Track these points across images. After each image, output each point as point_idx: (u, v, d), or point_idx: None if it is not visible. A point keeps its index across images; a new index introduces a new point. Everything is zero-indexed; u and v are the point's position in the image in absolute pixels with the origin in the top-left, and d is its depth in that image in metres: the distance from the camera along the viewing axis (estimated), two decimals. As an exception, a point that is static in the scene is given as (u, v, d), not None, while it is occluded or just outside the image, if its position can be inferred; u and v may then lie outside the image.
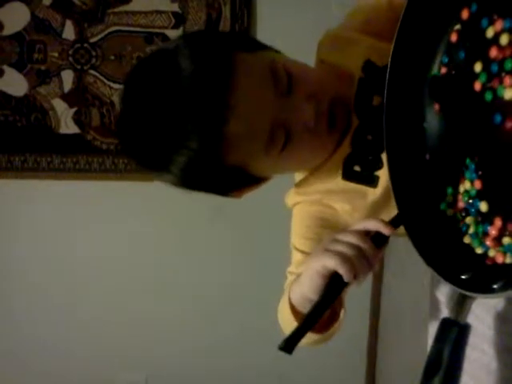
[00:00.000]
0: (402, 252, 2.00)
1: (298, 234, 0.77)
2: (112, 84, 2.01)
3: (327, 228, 0.71)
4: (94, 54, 1.98)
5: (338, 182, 0.70)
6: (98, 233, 2.12)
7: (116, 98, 2.03)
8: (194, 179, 0.66)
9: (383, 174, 0.66)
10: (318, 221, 0.72)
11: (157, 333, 2.17)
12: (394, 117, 0.55)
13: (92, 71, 1.99)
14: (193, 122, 0.58)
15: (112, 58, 1.98)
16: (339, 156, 0.68)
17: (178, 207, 2.13)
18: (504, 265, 0.42)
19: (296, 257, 0.77)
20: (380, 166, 0.66)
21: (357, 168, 0.69)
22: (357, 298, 2.34)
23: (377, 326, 2.32)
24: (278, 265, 2.35)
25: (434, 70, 0.52)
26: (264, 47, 0.68)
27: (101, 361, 2.16)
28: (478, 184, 0.46)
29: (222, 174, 0.64)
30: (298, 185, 0.75)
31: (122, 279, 2.13)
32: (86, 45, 1.98)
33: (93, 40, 1.97)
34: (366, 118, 0.67)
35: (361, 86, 0.68)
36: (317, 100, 0.62)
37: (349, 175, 0.69)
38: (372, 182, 0.68)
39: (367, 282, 2.42)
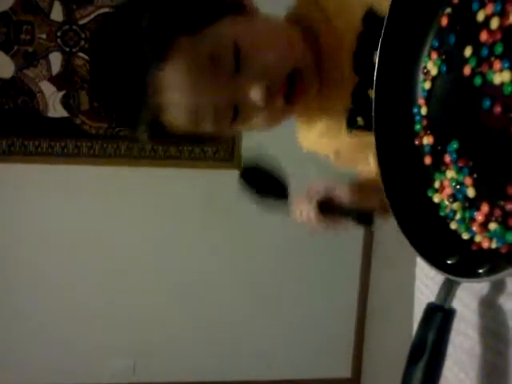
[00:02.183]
0: (390, 238, 2.02)
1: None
2: (101, 67, 1.99)
3: None
4: (83, 36, 1.96)
5: (343, 141, 0.71)
6: (86, 219, 2.10)
7: (105, 82, 2.00)
8: (161, 136, 0.66)
9: None
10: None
11: (145, 320, 2.18)
12: (382, 103, 0.54)
13: (81, 54, 1.97)
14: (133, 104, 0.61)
15: (101, 40, 1.96)
16: (341, 111, 0.68)
17: (169, 193, 2.13)
18: (489, 250, 0.42)
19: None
20: None
21: (360, 120, 0.69)
22: (345, 284, 2.38)
23: (364, 312, 2.34)
24: (268, 255, 2.34)
25: (425, 55, 0.51)
26: (220, 15, 0.61)
27: (91, 348, 2.16)
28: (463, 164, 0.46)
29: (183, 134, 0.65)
30: (306, 146, 0.78)
31: (110, 267, 2.13)
32: (74, 27, 1.95)
33: (82, 22, 1.94)
34: (366, 75, 0.64)
35: (360, 41, 0.64)
36: (271, 77, 0.60)
37: (352, 126, 0.69)
38: None
39: (355, 268, 2.42)
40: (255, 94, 0.59)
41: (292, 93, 0.62)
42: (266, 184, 0.72)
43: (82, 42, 1.96)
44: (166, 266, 2.17)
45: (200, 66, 0.58)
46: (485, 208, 0.43)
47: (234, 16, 0.62)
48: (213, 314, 2.22)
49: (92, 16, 1.94)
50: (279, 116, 0.65)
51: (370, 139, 0.70)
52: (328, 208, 0.65)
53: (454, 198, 0.48)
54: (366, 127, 0.69)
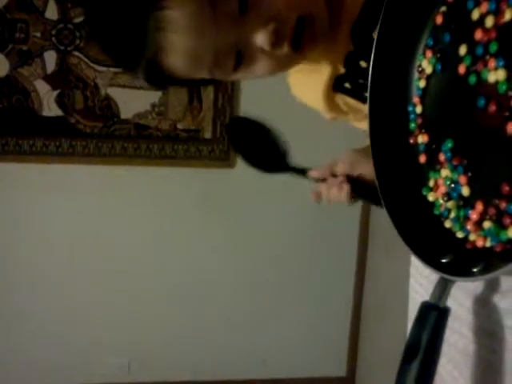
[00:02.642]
0: (385, 238, 2.02)
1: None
2: (96, 66, 1.98)
3: None
4: (77, 34, 1.95)
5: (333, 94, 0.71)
6: (82, 219, 2.10)
7: (100, 81, 2.00)
8: (159, 79, 0.64)
9: None
10: None
11: (140, 319, 2.17)
12: (377, 101, 0.54)
13: (76, 53, 1.96)
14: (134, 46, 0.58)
15: (96, 39, 1.95)
16: (331, 71, 0.68)
17: (164, 192, 2.12)
18: (484, 248, 0.42)
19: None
20: None
21: (347, 85, 0.69)
22: (340, 283, 2.38)
23: (359, 311, 2.35)
24: (264, 254, 2.34)
25: (419, 53, 0.51)
26: None
27: (86, 346, 2.16)
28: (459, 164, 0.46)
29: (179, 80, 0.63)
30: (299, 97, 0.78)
31: (105, 266, 2.13)
32: (69, 25, 1.94)
33: (77, 20, 1.94)
34: (362, 47, 0.64)
35: (365, 10, 0.63)
36: (279, 21, 0.56)
37: (339, 89, 0.69)
38: (362, 99, 0.68)
39: (351, 267, 2.43)
40: (261, 38, 0.56)
41: (300, 39, 0.59)
42: (258, 139, 0.69)
43: (77, 41, 1.95)
44: (162, 265, 2.17)
45: (202, 6, 0.54)
46: (479, 206, 0.43)
47: None
48: (208, 313, 2.22)
49: (87, 14, 1.94)
50: (285, 63, 0.62)
51: (354, 103, 0.71)
52: (359, 188, 0.64)
53: (448, 196, 0.48)
54: (352, 93, 0.69)
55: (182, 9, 0.54)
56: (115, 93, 2.02)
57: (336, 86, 0.70)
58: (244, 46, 0.58)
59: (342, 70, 0.69)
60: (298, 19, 0.58)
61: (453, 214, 0.47)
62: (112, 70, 1.98)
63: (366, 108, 0.70)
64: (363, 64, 0.66)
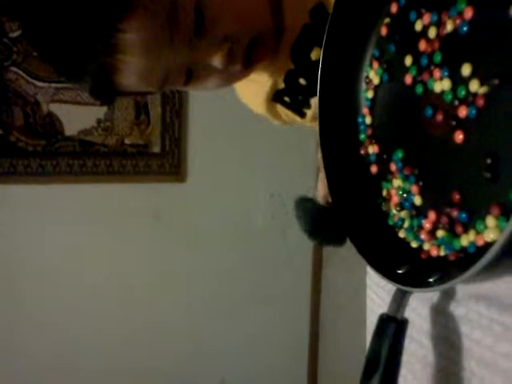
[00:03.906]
0: (341, 249, 2.04)
1: None
2: (36, 82, 1.91)
3: None
4: (15, 49, 1.87)
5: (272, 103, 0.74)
6: (25, 238, 2.00)
7: (41, 97, 1.92)
8: (105, 92, 0.63)
9: (310, 112, 0.70)
10: None
11: (90, 340, 2.09)
12: (326, 112, 0.54)
13: (13, 68, 1.88)
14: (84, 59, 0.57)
15: (35, 54, 1.88)
16: (271, 86, 0.70)
17: (114, 208, 2.06)
18: (439, 258, 0.42)
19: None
20: (308, 106, 0.69)
21: (287, 99, 0.71)
22: (297, 296, 2.38)
23: (317, 324, 2.35)
24: (216, 267, 2.31)
25: (366, 64, 0.51)
26: None
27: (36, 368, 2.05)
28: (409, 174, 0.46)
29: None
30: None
31: (49, 287, 2.03)
32: (5, 40, 1.86)
33: (13, 35, 1.86)
34: (302, 66, 0.66)
35: (304, 32, 0.65)
36: (232, 41, 0.58)
37: (279, 101, 0.72)
38: (300, 114, 0.71)
39: (306, 278, 2.44)
40: (217, 60, 0.58)
41: (251, 57, 0.61)
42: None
43: (15, 56, 1.87)
44: (112, 280, 2.09)
45: (159, 30, 0.54)
46: (432, 216, 0.43)
47: None
48: (162, 331, 2.16)
49: (24, 28, 1.86)
50: (235, 78, 0.65)
51: (291, 116, 0.73)
52: None
53: (401, 206, 0.48)
54: (291, 107, 0.72)
55: (138, 33, 0.54)
56: (58, 109, 1.95)
57: (276, 98, 0.73)
58: (196, 66, 0.59)
59: (282, 85, 0.71)
60: (250, 40, 0.60)
61: (406, 224, 0.47)
62: (54, 85, 1.91)
63: (303, 122, 0.73)
64: (302, 81, 0.68)
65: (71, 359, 2.08)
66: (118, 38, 0.53)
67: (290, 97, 0.71)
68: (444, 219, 0.42)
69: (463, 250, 0.40)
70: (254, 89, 0.75)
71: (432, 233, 0.43)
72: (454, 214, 0.40)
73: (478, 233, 0.37)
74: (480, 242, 0.37)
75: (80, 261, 2.05)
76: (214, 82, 0.62)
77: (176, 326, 2.17)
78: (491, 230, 0.36)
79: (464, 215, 0.39)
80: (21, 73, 1.88)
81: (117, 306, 2.11)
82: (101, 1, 0.53)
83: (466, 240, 0.39)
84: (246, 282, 2.23)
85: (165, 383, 2.19)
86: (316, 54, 0.64)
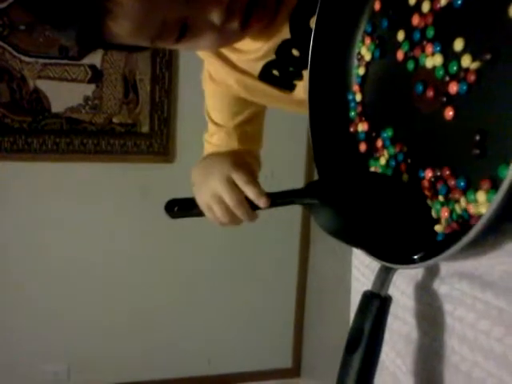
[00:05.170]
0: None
1: (214, 108, 0.82)
2: (22, 57, 1.87)
3: (239, 102, 0.78)
4: (0, 22, 1.82)
5: (255, 81, 0.71)
6: (13, 217, 1.98)
7: (27, 73, 1.88)
8: (91, 41, 0.60)
9: (300, 84, 0.68)
10: (232, 99, 0.78)
11: (78, 324, 2.08)
12: (317, 89, 0.53)
13: (0, 42, 1.83)
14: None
15: (22, 27, 1.84)
16: (261, 56, 0.68)
17: (101, 188, 2.04)
18: (425, 236, 0.42)
19: (211, 127, 0.84)
20: (299, 78, 0.67)
21: (275, 72, 0.69)
22: (283, 274, 2.39)
23: (303, 302, 2.37)
24: (204, 246, 2.30)
25: (358, 40, 0.51)
26: None
27: (22, 353, 2.04)
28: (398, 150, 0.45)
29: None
30: (215, 73, 0.77)
31: (42, 265, 2.02)
32: (-9, 12, 1.82)
33: (0, 6, 1.81)
34: (299, 35, 0.64)
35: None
36: None
37: (266, 77, 0.70)
38: (289, 87, 0.69)
39: (293, 258, 2.44)
40: (215, 14, 0.56)
41: (249, 18, 0.59)
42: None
43: (0, 29, 1.83)
44: (101, 262, 2.09)
45: None
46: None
47: None
48: (149, 312, 2.16)
49: (11, 0, 1.81)
50: (229, 39, 0.62)
51: (270, 91, 0.71)
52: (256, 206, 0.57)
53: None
54: (278, 81, 0.70)
55: None
56: (45, 85, 1.92)
57: (263, 74, 0.70)
58: (193, 19, 0.56)
59: (273, 56, 0.69)
60: (248, 0, 0.58)
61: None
62: (41, 61, 1.87)
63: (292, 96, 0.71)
64: (295, 53, 0.66)
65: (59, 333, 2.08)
66: None
67: (279, 69, 0.69)
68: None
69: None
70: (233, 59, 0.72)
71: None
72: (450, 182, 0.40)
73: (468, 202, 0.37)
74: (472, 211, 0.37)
75: (63, 238, 2.04)
76: (209, 40, 0.59)
77: (162, 306, 2.17)
78: (482, 205, 0.36)
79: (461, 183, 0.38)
80: (6, 47, 1.84)
81: (103, 285, 2.10)
82: None
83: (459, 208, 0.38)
84: (233, 264, 2.23)
85: (154, 365, 2.20)
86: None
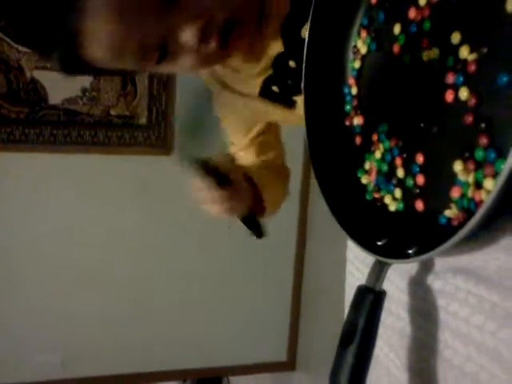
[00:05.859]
0: (324, 223, 2.05)
1: (230, 133, 0.85)
2: (20, 47, 1.85)
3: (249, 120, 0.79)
4: (-3, 12, 1.81)
5: (258, 102, 0.72)
6: (9, 205, 1.98)
7: (25, 63, 1.87)
8: (75, 67, 0.61)
9: (301, 100, 0.67)
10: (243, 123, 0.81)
11: (73, 315, 2.08)
12: (313, 81, 0.53)
13: (-5, 31, 1.82)
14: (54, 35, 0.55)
15: (19, 17, 1.82)
16: (259, 72, 0.68)
17: (98, 180, 2.04)
18: (419, 230, 0.42)
19: (232, 147, 0.87)
20: (299, 92, 0.66)
21: (275, 88, 0.69)
22: (279, 269, 2.39)
23: (299, 296, 2.38)
24: (201, 240, 2.30)
25: (354, 33, 0.50)
26: None
27: (17, 344, 2.05)
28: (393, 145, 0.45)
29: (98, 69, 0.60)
30: (222, 105, 0.79)
31: (37, 257, 2.02)
32: (-13, 2, 1.80)
33: (-4, -3, 1.80)
34: (292, 46, 0.64)
35: (294, 9, 0.63)
36: (206, 19, 0.56)
37: (266, 94, 0.70)
38: (289, 103, 0.69)
39: (290, 252, 2.44)
40: (188, 34, 0.55)
41: (227, 38, 0.58)
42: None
43: (-3, 19, 1.81)
44: (97, 254, 2.08)
45: None
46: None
47: None
48: (145, 304, 2.16)
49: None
50: (209, 60, 0.62)
51: (272, 110, 0.71)
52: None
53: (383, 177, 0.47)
54: (279, 97, 0.69)
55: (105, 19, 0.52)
56: (42, 76, 1.91)
57: (263, 91, 0.70)
58: (170, 40, 0.56)
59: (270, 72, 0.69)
60: (226, 20, 0.57)
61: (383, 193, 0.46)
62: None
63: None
64: (292, 64, 0.66)
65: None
66: (86, 0, 0.51)
67: (278, 84, 0.68)
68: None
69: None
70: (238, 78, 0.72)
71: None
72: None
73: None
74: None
75: (60, 230, 2.03)
76: (188, 62, 0.59)
77: (158, 298, 2.17)
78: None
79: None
80: (3, 36, 1.83)
81: (99, 276, 2.10)
82: None
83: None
84: (230, 256, 2.23)
85: (149, 357, 2.21)
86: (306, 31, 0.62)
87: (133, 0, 0.52)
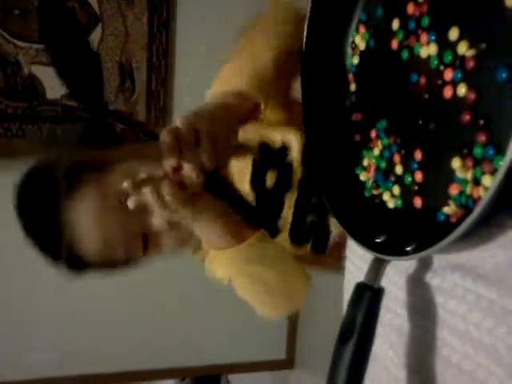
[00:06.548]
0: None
1: None
2: (17, 42, 1.84)
3: None
4: (-5, 6, 1.80)
5: None
6: (6, 204, 1.97)
7: (22, 58, 1.86)
8: (79, 266, 0.74)
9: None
10: None
11: (72, 313, 2.08)
12: (310, 78, 0.53)
13: (-7, 26, 1.81)
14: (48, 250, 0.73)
15: (16, 12, 1.81)
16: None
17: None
18: (417, 226, 0.42)
19: None
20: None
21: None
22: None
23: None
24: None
25: (353, 29, 0.50)
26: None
27: (14, 342, 2.05)
28: (392, 142, 0.45)
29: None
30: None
31: (34, 256, 2.01)
32: (-16, -3, 1.79)
33: (-8, -8, 1.79)
34: (262, 201, 0.72)
35: (256, 167, 0.71)
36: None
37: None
38: (273, 232, 0.77)
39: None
40: (156, 220, 0.67)
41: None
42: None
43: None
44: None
45: (107, 202, 0.66)
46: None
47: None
48: (143, 302, 2.16)
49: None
50: (188, 238, 0.74)
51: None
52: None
53: (381, 174, 0.47)
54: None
55: (89, 205, 0.66)
56: (40, 71, 1.90)
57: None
58: (147, 230, 0.68)
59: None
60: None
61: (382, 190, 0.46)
62: (35, 46, 1.85)
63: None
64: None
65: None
66: (73, 213, 0.66)
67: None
68: (424, 188, 0.41)
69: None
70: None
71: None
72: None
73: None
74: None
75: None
76: (170, 243, 0.71)
77: (157, 297, 2.17)
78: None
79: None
80: (1, 32, 1.82)
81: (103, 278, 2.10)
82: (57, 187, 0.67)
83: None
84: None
85: (147, 355, 2.21)
86: (271, 177, 0.70)
87: (110, 208, 0.65)
